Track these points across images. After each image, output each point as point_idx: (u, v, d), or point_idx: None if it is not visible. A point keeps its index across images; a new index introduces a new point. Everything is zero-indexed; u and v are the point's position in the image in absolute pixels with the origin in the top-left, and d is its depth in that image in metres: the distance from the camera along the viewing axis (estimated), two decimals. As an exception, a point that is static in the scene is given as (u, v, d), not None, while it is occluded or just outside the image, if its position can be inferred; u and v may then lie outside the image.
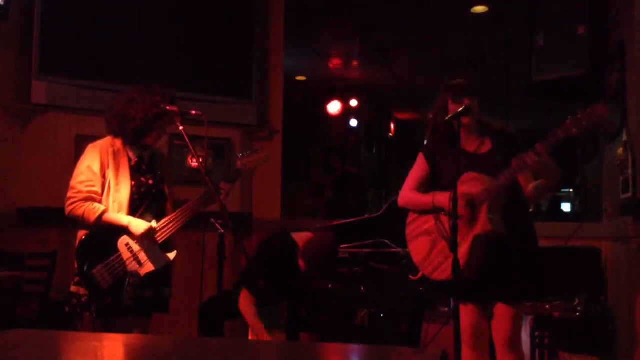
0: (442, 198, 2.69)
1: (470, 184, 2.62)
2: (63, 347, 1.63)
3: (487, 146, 2.78)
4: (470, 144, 2.79)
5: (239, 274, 3.65)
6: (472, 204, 2.60)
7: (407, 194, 2.88)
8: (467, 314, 2.75)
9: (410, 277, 2.87)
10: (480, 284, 2.67)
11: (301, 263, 3.48)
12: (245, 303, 3.50)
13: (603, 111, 2.43)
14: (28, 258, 3.97)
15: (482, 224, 2.59)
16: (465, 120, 2.66)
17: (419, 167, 2.90)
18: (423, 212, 2.82)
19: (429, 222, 2.80)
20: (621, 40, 3.75)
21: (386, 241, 4.16)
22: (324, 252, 3.49)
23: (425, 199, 2.79)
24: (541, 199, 2.75)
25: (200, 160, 3.12)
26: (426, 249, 2.78)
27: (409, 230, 2.88)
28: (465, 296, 2.70)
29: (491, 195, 2.59)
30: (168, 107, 2.89)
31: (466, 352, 2.75)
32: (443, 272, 2.69)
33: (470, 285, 2.64)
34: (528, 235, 2.75)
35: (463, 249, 2.58)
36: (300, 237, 3.54)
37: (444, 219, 2.73)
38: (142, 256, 2.80)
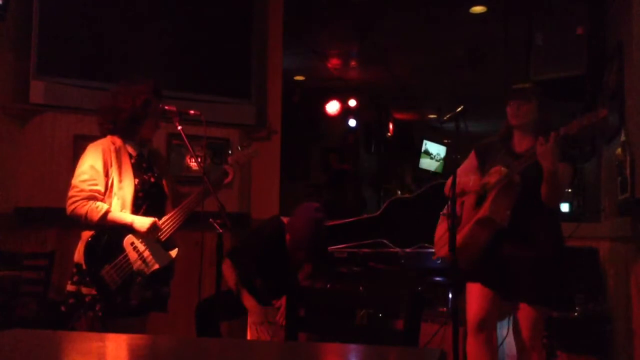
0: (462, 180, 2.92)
1: (492, 176, 2.82)
2: (62, 347, 1.63)
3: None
4: (522, 145, 2.90)
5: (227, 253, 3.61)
6: (484, 192, 2.82)
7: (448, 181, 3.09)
8: (475, 296, 2.88)
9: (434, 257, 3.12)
10: (495, 271, 2.82)
11: (287, 239, 3.50)
12: (229, 273, 3.53)
13: (604, 114, 2.58)
14: (26, 258, 3.97)
15: (483, 210, 2.79)
16: (513, 121, 2.85)
17: (468, 161, 3.08)
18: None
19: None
20: (619, 40, 3.76)
21: (385, 241, 4.17)
22: (310, 223, 3.46)
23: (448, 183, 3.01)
24: (551, 199, 2.80)
25: (199, 160, 3.12)
26: (442, 228, 3.01)
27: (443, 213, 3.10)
28: (473, 278, 2.88)
29: (499, 183, 2.76)
30: (167, 107, 2.89)
31: (470, 341, 2.88)
32: (441, 249, 2.96)
33: (482, 269, 2.83)
34: (546, 241, 2.80)
35: (464, 230, 2.82)
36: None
37: (465, 201, 2.95)
38: (148, 255, 2.80)
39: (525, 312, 2.79)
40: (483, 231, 2.80)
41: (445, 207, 3.04)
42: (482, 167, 2.96)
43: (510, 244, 2.79)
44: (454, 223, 2.60)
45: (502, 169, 2.79)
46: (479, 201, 2.84)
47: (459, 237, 2.77)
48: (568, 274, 2.90)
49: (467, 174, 2.99)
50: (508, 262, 2.79)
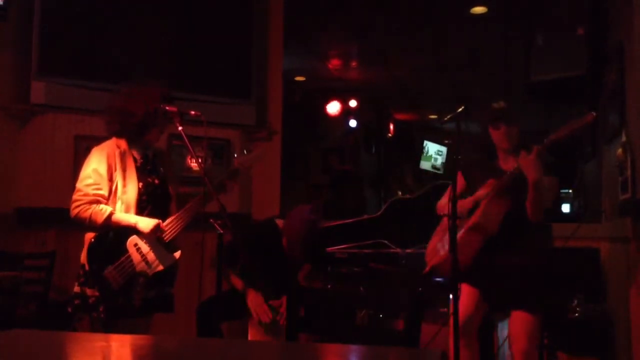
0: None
1: (486, 188, 2.90)
2: (63, 348, 1.63)
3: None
4: (507, 163, 2.95)
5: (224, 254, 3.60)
6: (477, 202, 2.91)
7: (440, 201, 3.17)
8: (463, 295, 2.95)
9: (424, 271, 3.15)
10: (487, 279, 2.90)
11: (284, 241, 3.51)
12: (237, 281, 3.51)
13: (592, 117, 2.61)
14: (27, 258, 3.97)
15: (474, 217, 2.89)
16: (504, 145, 2.89)
17: (459, 183, 3.09)
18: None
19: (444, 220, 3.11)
20: (620, 40, 3.76)
21: (385, 242, 4.17)
22: (304, 225, 3.48)
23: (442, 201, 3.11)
24: (535, 214, 2.79)
25: (199, 160, 3.12)
26: (434, 241, 3.13)
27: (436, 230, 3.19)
28: (462, 277, 2.93)
29: (490, 194, 2.85)
30: (167, 108, 2.89)
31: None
32: (433, 258, 3.06)
33: (473, 272, 2.90)
34: (537, 248, 2.88)
35: (459, 235, 2.86)
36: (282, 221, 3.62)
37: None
38: (151, 256, 2.80)
39: (520, 320, 2.80)
40: (475, 237, 2.86)
41: (439, 224, 3.13)
42: (470, 184, 3.03)
43: (502, 253, 2.85)
44: (455, 224, 2.62)
45: (494, 180, 2.87)
46: (472, 210, 2.92)
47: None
48: (559, 279, 2.96)
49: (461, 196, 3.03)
50: (500, 271, 2.85)
